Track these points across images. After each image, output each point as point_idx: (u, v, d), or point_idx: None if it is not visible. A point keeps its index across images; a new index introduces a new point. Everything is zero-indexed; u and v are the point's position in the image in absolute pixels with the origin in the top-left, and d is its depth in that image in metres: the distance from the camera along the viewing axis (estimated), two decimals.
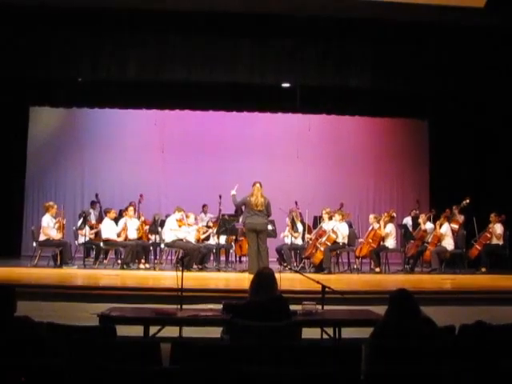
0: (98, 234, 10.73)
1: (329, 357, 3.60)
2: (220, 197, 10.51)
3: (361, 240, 10.95)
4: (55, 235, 10.22)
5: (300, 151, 13.21)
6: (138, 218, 10.87)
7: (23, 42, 9.66)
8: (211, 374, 3.06)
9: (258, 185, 9.58)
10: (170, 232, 10.34)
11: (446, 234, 10.67)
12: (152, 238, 10.97)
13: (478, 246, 10.75)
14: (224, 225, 10.46)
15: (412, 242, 11.09)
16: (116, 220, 10.78)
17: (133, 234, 10.59)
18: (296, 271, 7.35)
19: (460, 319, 4.21)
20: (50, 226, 10.22)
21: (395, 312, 3.87)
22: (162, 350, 3.52)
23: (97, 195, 11.68)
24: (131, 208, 10.72)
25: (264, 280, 4.45)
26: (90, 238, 10.64)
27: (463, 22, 9.59)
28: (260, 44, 10.04)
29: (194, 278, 8.42)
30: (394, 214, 11.09)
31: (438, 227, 10.70)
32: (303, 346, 3.90)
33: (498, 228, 10.71)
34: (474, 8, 9.16)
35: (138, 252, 10.48)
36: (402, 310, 3.85)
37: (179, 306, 5.13)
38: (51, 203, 10.56)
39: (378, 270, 10.49)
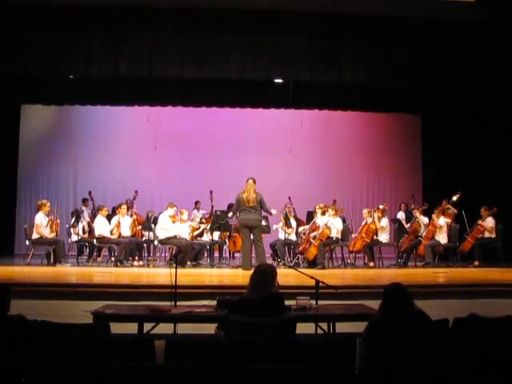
0: (91, 232, 10.69)
1: (324, 352, 3.60)
2: (211, 192, 10.48)
3: (354, 235, 10.97)
4: (48, 234, 10.19)
5: (293, 147, 13.20)
6: (131, 215, 10.85)
7: (14, 40, 9.59)
8: (206, 370, 3.05)
9: (250, 181, 9.56)
10: (163, 231, 10.33)
11: (443, 228, 10.70)
12: (145, 235, 10.97)
13: (470, 240, 10.78)
14: (217, 221, 10.44)
15: (405, 236, 11.12)
16: (109, 217, 10.74)
17: (126, 232, 10.57)
18: (290, 267, 7.37)
19: (453, 312, 4.23)
20: (43, 224, 10.17)
21: (389, 306, 3.87)
22: (157, 347, 3.51)
23: (90, 193, 11.60)
24: (124, 206, 10.70)
25: (262, 276, 4.44)
26: (82, 237, 10.62)
27: (455, 16, 9.62)
28: (252, 40, 9.99)
29: (188, 275, 8.41)
30: (385, 208, 11.08)
31: (435, 220, 10.70)
32: (298, 342, 3.90)
33: (490, 221, 10.74)
34: (466, 2, 9.21)
35: (132, 249, 10.46)
36: (396, 303, 3.86)
37: (173, 303, 5.13)
38: (44, 201, 10.47)
39: (371, 264, 10.53)
